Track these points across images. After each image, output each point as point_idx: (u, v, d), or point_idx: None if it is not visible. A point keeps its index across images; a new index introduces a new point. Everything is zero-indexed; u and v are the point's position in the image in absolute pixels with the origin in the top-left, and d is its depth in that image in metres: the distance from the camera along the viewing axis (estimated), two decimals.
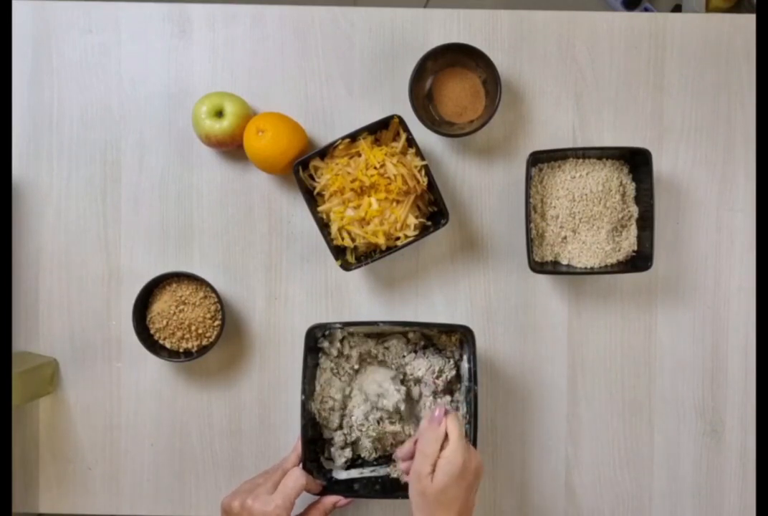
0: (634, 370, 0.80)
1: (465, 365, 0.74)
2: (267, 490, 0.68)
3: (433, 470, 0.63)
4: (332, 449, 0.75)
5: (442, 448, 0.64)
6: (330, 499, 0.71)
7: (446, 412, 0.66)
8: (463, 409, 0.74)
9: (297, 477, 0.68)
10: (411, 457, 0.68)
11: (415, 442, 0.67)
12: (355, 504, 0.80)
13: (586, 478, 0.80)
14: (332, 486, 0.73)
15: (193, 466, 0.81)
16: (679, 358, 0.80)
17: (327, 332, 0.75)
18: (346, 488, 0.73)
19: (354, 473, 0.75)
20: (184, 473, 0.81)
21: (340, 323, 0.73)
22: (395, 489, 0.73)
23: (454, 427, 0.64)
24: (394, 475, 0.74)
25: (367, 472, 0.75)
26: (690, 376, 0.80)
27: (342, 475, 0.74)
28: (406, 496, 0.69)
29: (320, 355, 0.76)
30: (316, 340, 0.74)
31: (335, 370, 0.76)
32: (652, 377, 0.80)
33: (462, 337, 0.75)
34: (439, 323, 0.75)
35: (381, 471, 0.75)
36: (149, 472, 0.81)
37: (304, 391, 0.72)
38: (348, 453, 0.75)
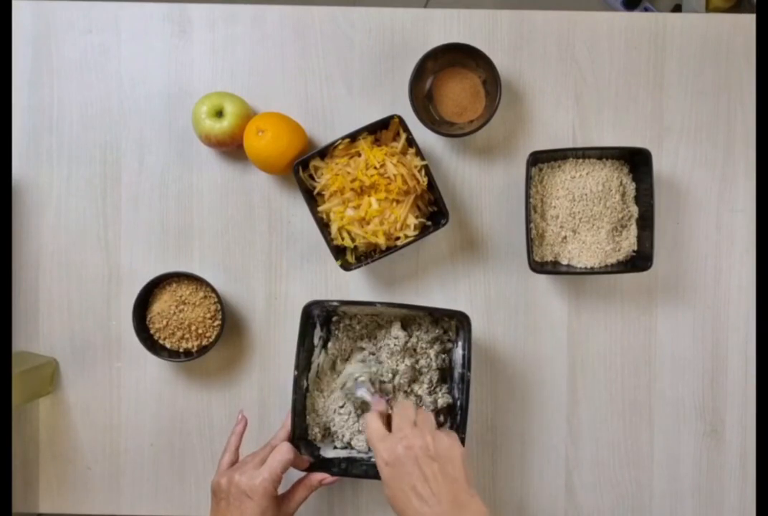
0: (634, 370, 0.80)
1: (459, 352, 0.74)
2: (254, 465, 0.68)
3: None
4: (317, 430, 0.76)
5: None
6: (316, 476, 0.71)
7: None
8: (455, 395, 0.74)
9: (284, 451, 0.68)
10: None
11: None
12: (353, 485, 0.80)
13: (586, 478, 0.80)
14: (319, 463, 0.73)
15: (193, 466, 0.81)
16: (679, 358, 0.80)
17: (332, 311, 0.75)
18: (333, 466, 0.73)
19: (342, 453, 0.75)
20: (184, 473, 0.81)
21: (337, 301, 0.73)
22: None
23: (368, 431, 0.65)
24: None
25: (354, 452, 0.75)
26: (690, 376, 0.80)
27: (330, 453, 0.74)
28: None
29: (326, 335, 0.76)
30: (311, 317, 0.74)
31: (333, 352, 0.77)
32: (652, 377, 0.80)
33: (458, 323, 0.75)
34: (437, 308, 0.75)
35: (369, 452, 0.75)
36: (149, 471, 0.81)
37: (297, 367, 0.72)
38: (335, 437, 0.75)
